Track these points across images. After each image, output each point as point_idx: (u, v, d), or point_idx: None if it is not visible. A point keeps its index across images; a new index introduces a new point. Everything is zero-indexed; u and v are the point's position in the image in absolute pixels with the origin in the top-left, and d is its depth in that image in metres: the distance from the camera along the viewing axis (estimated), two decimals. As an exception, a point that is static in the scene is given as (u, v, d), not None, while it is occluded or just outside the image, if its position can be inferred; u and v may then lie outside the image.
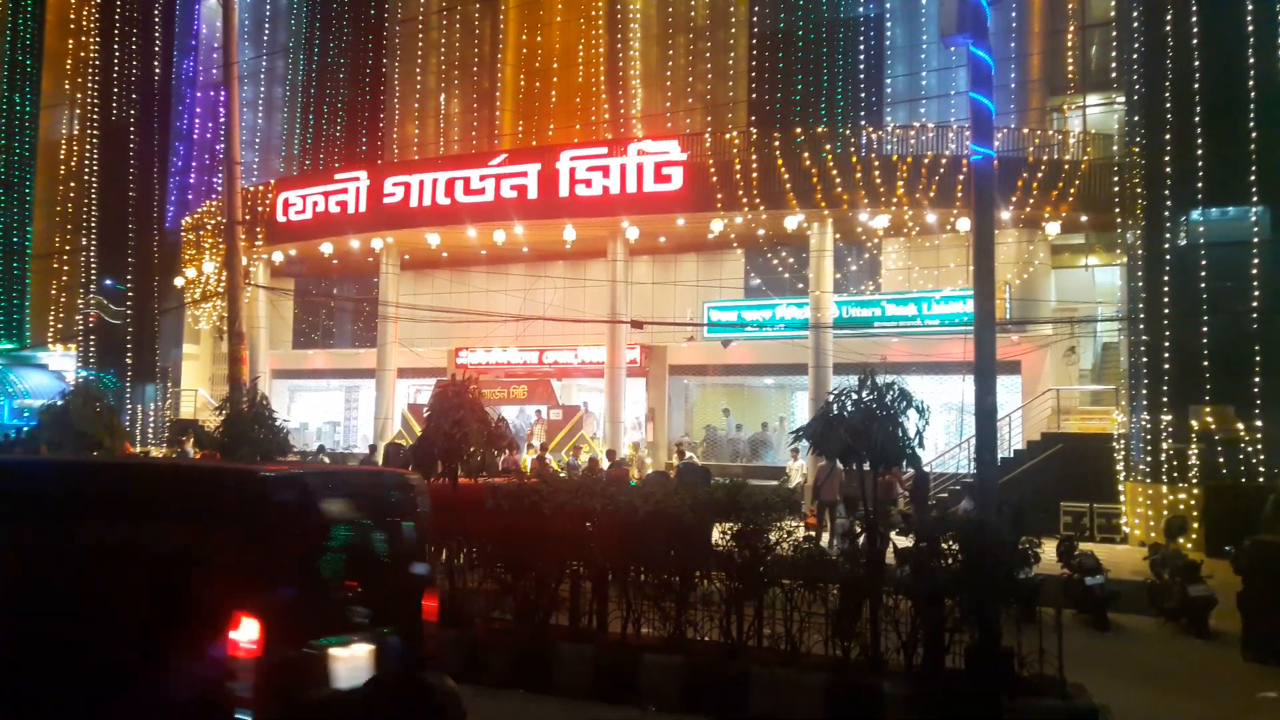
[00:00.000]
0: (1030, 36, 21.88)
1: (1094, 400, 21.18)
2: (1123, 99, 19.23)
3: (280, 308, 27.08)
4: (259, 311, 24.58)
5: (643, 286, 22.66)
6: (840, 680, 7.02)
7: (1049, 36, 21.74)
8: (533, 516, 8.11)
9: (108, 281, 30.19)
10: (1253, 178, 15.81)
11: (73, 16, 32.98)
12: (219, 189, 27.25)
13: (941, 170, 18.45)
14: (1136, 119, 17.43)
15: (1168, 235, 16.47)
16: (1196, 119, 16.14)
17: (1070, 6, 21.61)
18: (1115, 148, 19.50)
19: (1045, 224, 18.98)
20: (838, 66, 23.22)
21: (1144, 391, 16.63)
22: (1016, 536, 7.21)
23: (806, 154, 19.14)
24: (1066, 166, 18.75)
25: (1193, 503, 15.63)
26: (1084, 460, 17.88)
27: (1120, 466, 17.48)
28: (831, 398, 7.69)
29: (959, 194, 18.15)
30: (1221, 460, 15.63)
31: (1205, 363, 15.86)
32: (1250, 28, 15.98)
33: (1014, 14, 21.56)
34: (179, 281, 27.43)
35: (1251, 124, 15.81)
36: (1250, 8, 16.02)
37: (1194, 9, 16.29)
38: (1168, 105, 16.49)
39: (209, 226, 25.51)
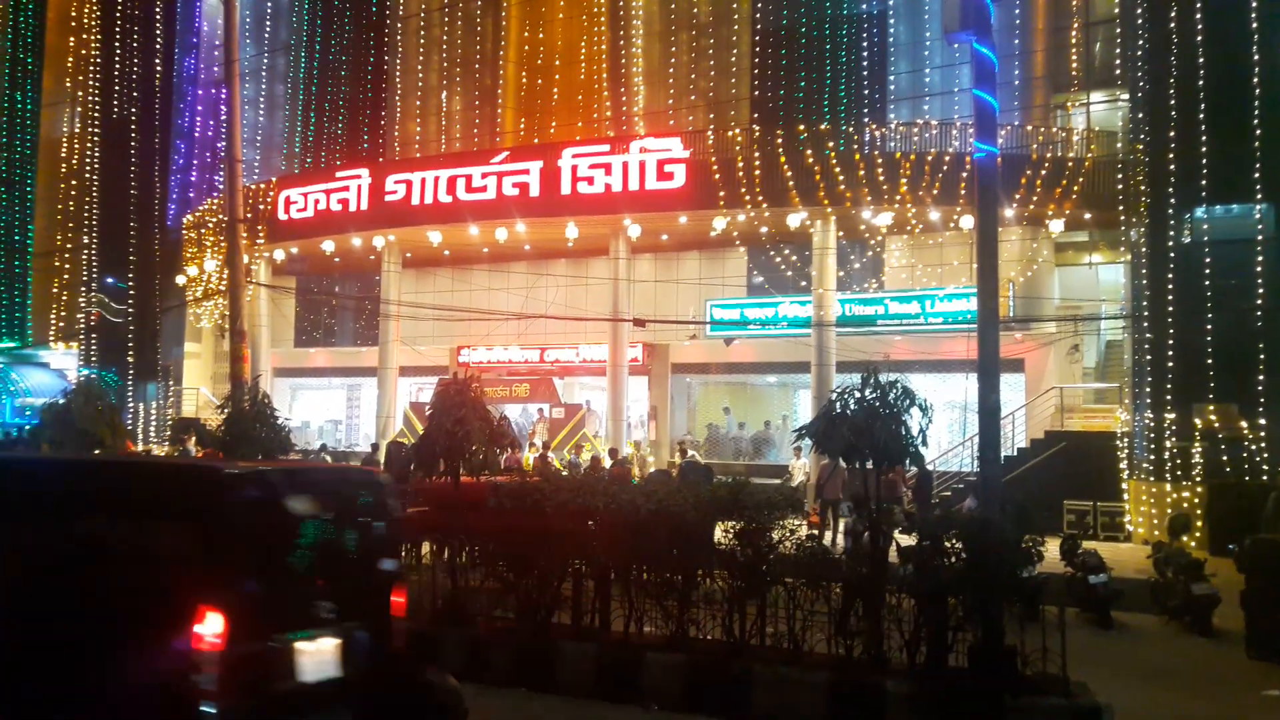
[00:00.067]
0: (1034, 33, 21.83)
1: (1097, 398, 21.14)
2: (1126, 96, 19.18)
3: (282, 306, 27.11)
4: (261, 310, 24.58)
5: (645, 284, 22.65)
6: (843, 679, 7.00)
7: (1053, 33, 21.69)
8: (535, 515, 8.10)
9: (109, 279, 30.21)
10: (1257, 175, 15.76)
11: (74, 14, 32.99)
12: (220, 187, 27.25)
13: (945, 167, 18.41)
14: (1140, 116, 17.39)
15: (1171, 232, 16.42)
16: (1200, 116, 16.09)
17: (1074, 3, 21.56)
18: (1119, 145, 19.45)
19: (1049, 221, 18.93)
20: (841, 63, 23.18)
21: (1148, 389, 16.59)
22: (1020, 535, 7.18)
23: (809, 151, 19.11)
24: (1070, 164, 18.69)
25: (1196, 501, 15.60)
26: (1087, 458, 17.85)
27: (1124, 465, 17.45)
28: (834, 396, 7.67)
29: (962, 191, 18.11)
30: (1225, 458, 15.59)
31: (1209, 360, 15.82)
32: (1254, 24, 15.93)
33: (1017, 10, 21.51)
34: (180, 279, 27.43)
35: (1256, 121, 15.76)
36: (1254, 5, 15.96)
37: (1198, 6, 16.23)
38: (1172, 102, 16.45)
39: (210, 224, 25.51)
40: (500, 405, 19.39)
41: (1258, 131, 15.74)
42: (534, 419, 22.90)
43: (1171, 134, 16.41)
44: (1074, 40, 21.53)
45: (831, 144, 19.31)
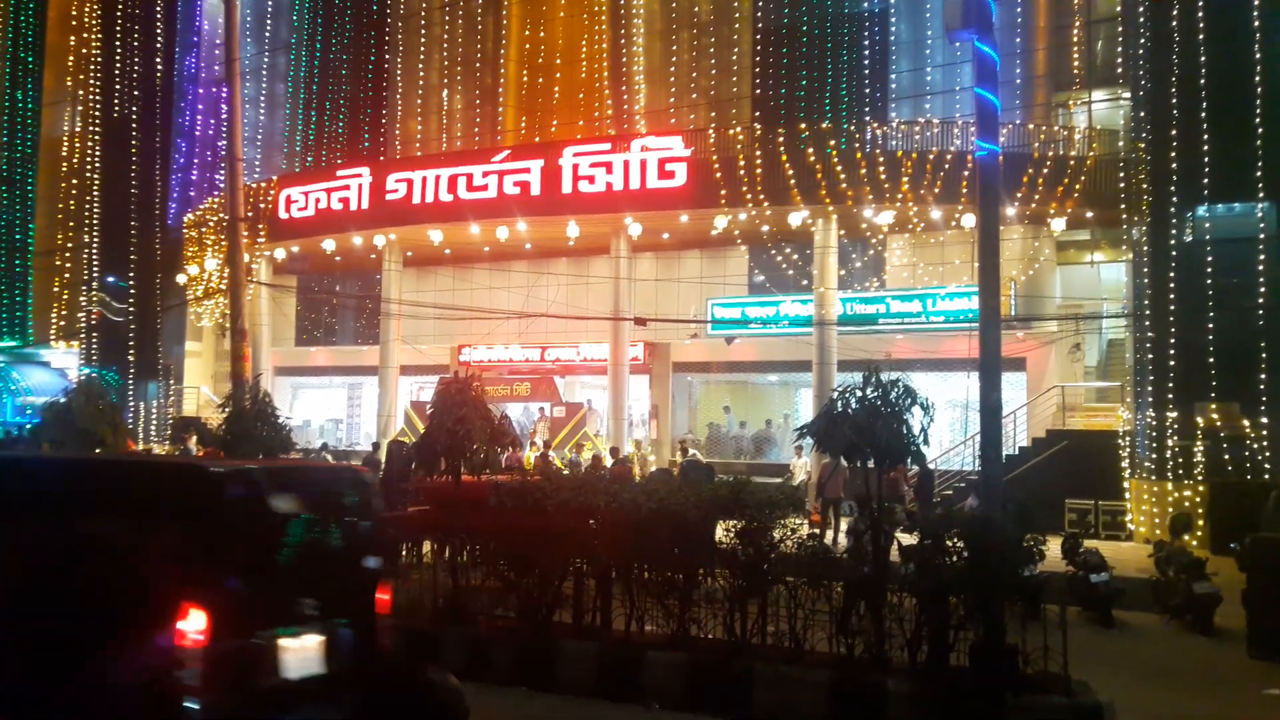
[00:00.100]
0: (1035, 31, 21.80)
1: (1099, 397, 21.13)
2: (1128, 94, 19.15)
3: (283, 305, 27.12)
4: (261, 309, 24.59)
5: (646, 283, 22.64)
6: (844, 678, 6.99)
7: (1054, 31, 21.66)
8: (536, 514, 8.10)
9: (110, 278, 30.21)
10: (1259, 173, 15.75)
11: (74, 13, 32.98)
12: (221, 186, 27.23)
13: (946, 166, 18.39)
14: (1142, 114, 17.36)
15: (1173, 231, 16.40)
16: (1202, 114, 16.07)
17: (1076, 1, 21.52)
18: (1121, 143, 19.41)
19: (1050, 220, 18.92)
20: (842, 62, 23.15)
21: (1149, 388, 16.57)
22: (1021, 534, 7.17)
23: (811, 150, 19.09)
24: (1072, 162, 18.67)
25: (1198, 500, 15.58)
26: (1089, 457, 17.84)
27: (1125, 463, 17.43)
28: (836, 395, 7.66)
29: (964, 190, 18.09)
30: (1227, 457, 15.58)
31: (1211, 359, 15.80)
32: (1256, 23, 15.91)
33: (1019, 9, 21.49)
34: (181, 278, 27.44)
35: (1257, 119, 15.74)
36: (1256, 3, 15.94)
37: (1200, 4, 16.21)
38: (1173, 101, 16.42)
39: (211, 223, 25.51)
40: (501, 404, 19.38)
41: (1259, 130, 15.72)
42: (535, 418, 22.89)
43: (1173, 132, 16.39)
44: (1076, 38, 21.50)
45: (833, 142, 19.29)
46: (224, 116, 26.43)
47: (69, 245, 32.14)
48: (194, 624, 4.61)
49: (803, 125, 20.17)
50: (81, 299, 31.19)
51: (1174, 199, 16.40)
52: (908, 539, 7.37)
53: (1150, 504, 16.38)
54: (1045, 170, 18.35)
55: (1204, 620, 10.26)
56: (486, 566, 8.93)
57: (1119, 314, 19.79)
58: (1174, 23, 16.48)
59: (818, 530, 12.53)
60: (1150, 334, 16.59)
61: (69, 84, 33.12)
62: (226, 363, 21.63)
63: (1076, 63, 21.52)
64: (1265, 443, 15.39)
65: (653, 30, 25.61)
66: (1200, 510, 15.32)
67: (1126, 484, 17.31)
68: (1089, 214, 19.01)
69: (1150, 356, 16.57)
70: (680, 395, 25.05)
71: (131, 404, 28.57)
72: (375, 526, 5.99)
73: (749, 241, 21.83)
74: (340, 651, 5.38)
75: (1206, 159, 16.04)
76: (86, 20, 32.27)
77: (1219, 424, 15.68)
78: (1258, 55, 15.83)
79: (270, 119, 30.61)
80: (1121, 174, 18.19)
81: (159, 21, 30.96)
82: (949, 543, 6.98)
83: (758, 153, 19.45)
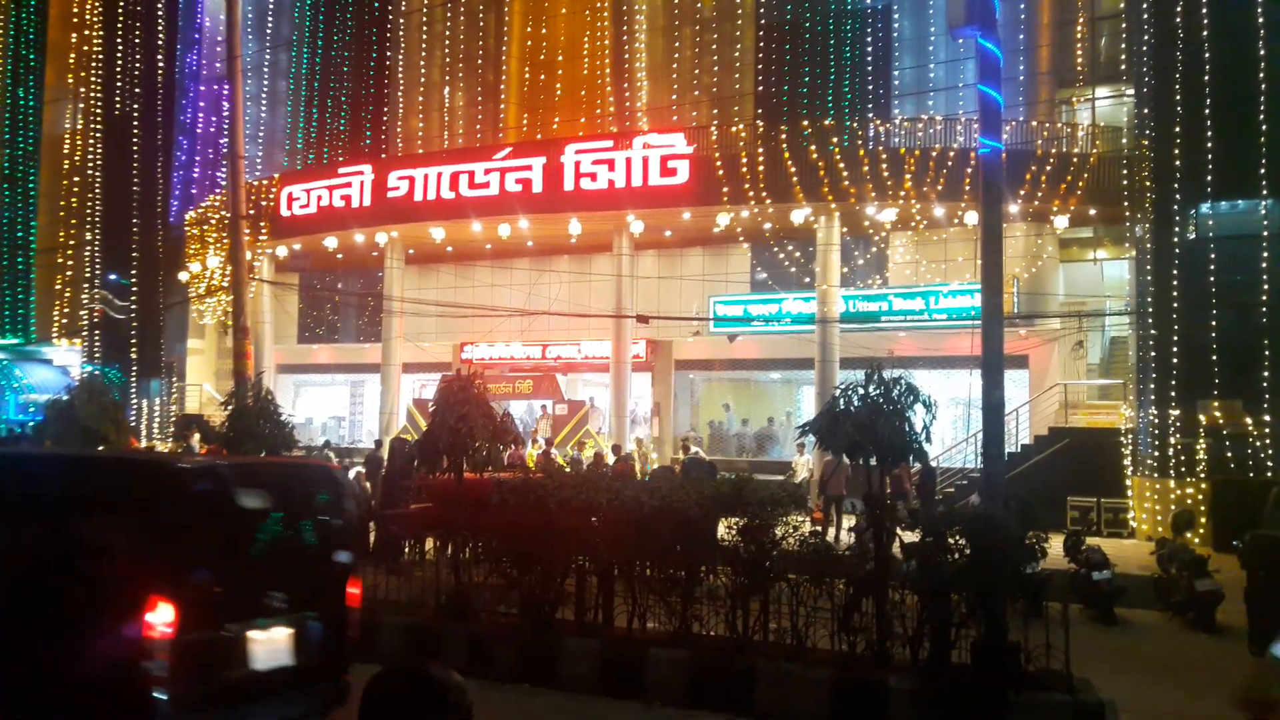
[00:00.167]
0: (1039, 28, 21.75)
1: (1101, 395, 21.10)
2: (1132, 92, 19.12)
3: (285, 302, 27.12)
4: (264, 306, 24.60)
5: (648, 281, 22.64)
6: (846, 675, 7.00)
7: (1058, 28, 21.61)
8: (538, 511, 8.10)
9: (112, 276, 30.23)
10: (1262, 170, 15.70)
11: (76, 10, 32.96)
12: (223, 183, 27.24)
13: (949, 163, 18.36)
14: (1146, 112, 17.32)
15: (1177, 229, 16.37)
16: (1206, 112, 16.03)
17: (1079, -2, 21.49)
18: (1124, 140, 19.38)
19: (1053, 217, 18.89)
20: (845, 59, 23.13)
21: (1152, 386, 16.55)
22: (1023, 531, 7.17)
23: (813, 147, 19.07)
24: (1075, 159, 18.65)
25: (1200, 497, 15.57)
26: (1091, 455, 17.83)
27: (1128, 461, 17.43)
28: (838, 392, 7.66)
29: (967, 187, 18.06)
30: (1229, 455, 15.56)
31: (1214, 357, 15.78)
32: (1261, 20, 15.85)
33: (1022, 6, 21.45)
34: (183, 276, 27.47)
35: (1261, 117, 15.69)
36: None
37: (1204, 1, 16.16)
38: (1177, 98, 16.38)
39: (213, 221, 25.52)
40: (503, 402, 19.39)
41: (1263, 127, 15.67)
42: (537, 415, 22.89)
43: (1177, 129, 16.35)
44: (1079, 35, 21.45)
45: (835, 139, 19.26)
46: (225, 114, 26.45)
47: (71, 243, 32.14)
48: (162, 616, 4.70)
49: (805, 122, 20.15)
50: (84, 296, 31.21)
51: (1177, 196, 16.37)
52: (910, 536, 7.37)
53: (1152, 501, 16.37)
54: (1048, 167, 18.32)
55: (1206, 617, 10.25)
56: (489, 564, 8.95)
57: (1122, 311, 19.77)
58: (1178, 19, 16.43)
59: (819, 528, 12.51)
60: (1153, 331, 16.57)
61: (70, 81, 33.10)
62: (229, 360, 21.62)
63: (1080, 59, 21.48)
64: (1268, 440, 15.36)
65: (655, 27, 25.59)
66: (1202, 508, 15.31)
67: (1129, 481, 17.30)
68: (1092, 211, 18.97)
69: (1153, 354, 16.55)
70: (682, 393, 25.05)
71: (134, 401, 28.62)
72: (346, 521, 6.09)
73: (751, 239, 21.81)
74: (310, 644, 5.49)
75: (1210, 156, 16.00)
76: (88, 17, 32.26)
77: (1221, 421, 15.66)
78: (1262, 52, 15.78)
79: (272, 116, 30.61)
80: (1125, 171, 18.16)
81: (160, 19, 30.97)
82: (951, 540, 6.98)
83: (760, 150, 19.43)
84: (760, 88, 23.98)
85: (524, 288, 23.31)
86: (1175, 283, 16.29)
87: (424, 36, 28.27)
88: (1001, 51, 8.83)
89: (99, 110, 31.11)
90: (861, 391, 7.46)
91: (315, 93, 29.51)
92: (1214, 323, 15.81)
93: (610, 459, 16.79)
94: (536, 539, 8.16)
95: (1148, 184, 16.97)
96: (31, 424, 20.50)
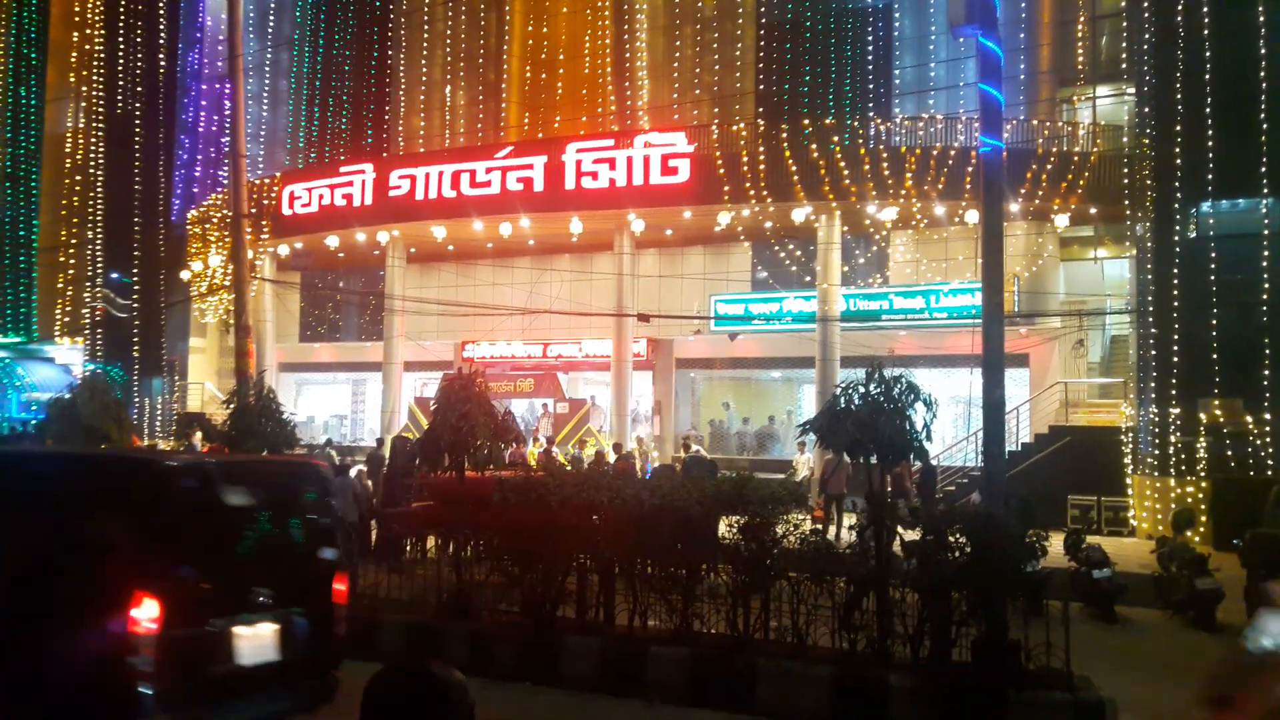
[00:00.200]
0: (1040, 27, 21.74)
1: (1102, 393, 21.10)
2: (1133, 90, 19.11)
3: (286, 301, 27.14)
4: (265, 305, 24.62)
5: (649, 279, 22.64)
6: (847, 673, 7.01)
7: (1059, 27, 21.60)
8: (539, 510, 8.12)
9: (114, 275, 30.28)
10: (1263, 169, 15.69)
11: (77, 9, 32.99)
12: (224, 182, 27.25)
13: (950, 162, 18.36)
14: (1147, 110, 17.32)
15: (1177, 227, 16.37)
16: (1207, 110, 16.03)
17: (1080, -3, 21.48)
18: (1125, 139, 19.38)
19: (1054, 216, 18.89)
20: (846, 58, 23.12)
21: (1152, 384, 16.56)
22: (1024, 530, 7.19)
23: (814, 146, 19.07)
24: (1076, 158, 18.64)
25: (1201, 496, 15.58)
26: (1092, 453, 17.83)
27: (1128, 460, 17.43)
28: (839, 391, 7.67)
29: (967, 186, 18.06)
30: (1230, 453, 15.56)
31: (1214, 355, 15.78)
32: (1262, 18, 15.84)
33: (1023, 4, 21.44)
34: (185, 275, 27.48)
35: (1262, 115, 15.69)
36: (1261, -2, 15.90)
37: (1204, 0, 16.18)
38: (1178, 96, 16.38)
39: (215, 220, 25.54)
40: (505, 400, 19.41)
41: (1264, 126, 15.67)
42: (538, 414, 22.91)
43: (1177, 128, 16.35)
44: (1080, 34, 21.44)
45: (836, 138, 19.26)
46: (227, 112, 26.41)
47: (73, 241, 32.20)
48: (147, 612, 4.73)
49: (806, 121, 20.15)
50: (86, 295, 31.26)
51: (1178, 195, 16.37)
52: (910, 535, 7.38)
53: (1153, 500, 16.38)
54: (1049, 166, 18.31)
55: (1206, 616, 10.25)
56: (490, 562, 8.96)
57: (1122, 310, 19.77)
58: (1179, 18, 16.43)
59: (820, 526, 12.52)
60: (1153, 330, 16.57)
61: (72, 80, 33.14)
62: (231, 359, 21.62)
63: (1081, 58, 21.46)
64: (1268, 439, 15.37)
65: (656, 26, 25.59)
66: (1203, 506, 15.32)
67: (1129, 480, 17.31)
68: (1093, 210, 18.97)
69: (1153, 352, 16.55)
70: (683, 391, 25.06)
71: (136, 400, 28.65)
72: (333, 519, 6.14)
73: (752, 238, 21.82)
74: (296, 640, 5.53)
75: (1211, 155, 16.00)
76: (89, 16, 32.30)
77: (1222, 420, 15.67)
78: (1263, 51, 15.77)
79: (273, 115, 30.62)
80: (1125, 170, 18.16)
81: (162, 17, 30.99)
82: (951, 538, 7.00)
83: (761, 149, 19.43)
84: (761, 87, 23.98)
85: (525, 286, 23.32)
86: (1176, 281, 16.29)
87: (425, 35, 28.28)
88: (1002, 50, 8.85)
89: (101, 109, 31.14)
90: (862, 390, 7.47)
91: (317, 92, 29.53)
92: (1214, 321, 15.81)
93: (611, 457, 16.81)
94: (538, 537, 8.17)
95: (1148, 183, 16.97)
96: (34, 422, 20.54)
